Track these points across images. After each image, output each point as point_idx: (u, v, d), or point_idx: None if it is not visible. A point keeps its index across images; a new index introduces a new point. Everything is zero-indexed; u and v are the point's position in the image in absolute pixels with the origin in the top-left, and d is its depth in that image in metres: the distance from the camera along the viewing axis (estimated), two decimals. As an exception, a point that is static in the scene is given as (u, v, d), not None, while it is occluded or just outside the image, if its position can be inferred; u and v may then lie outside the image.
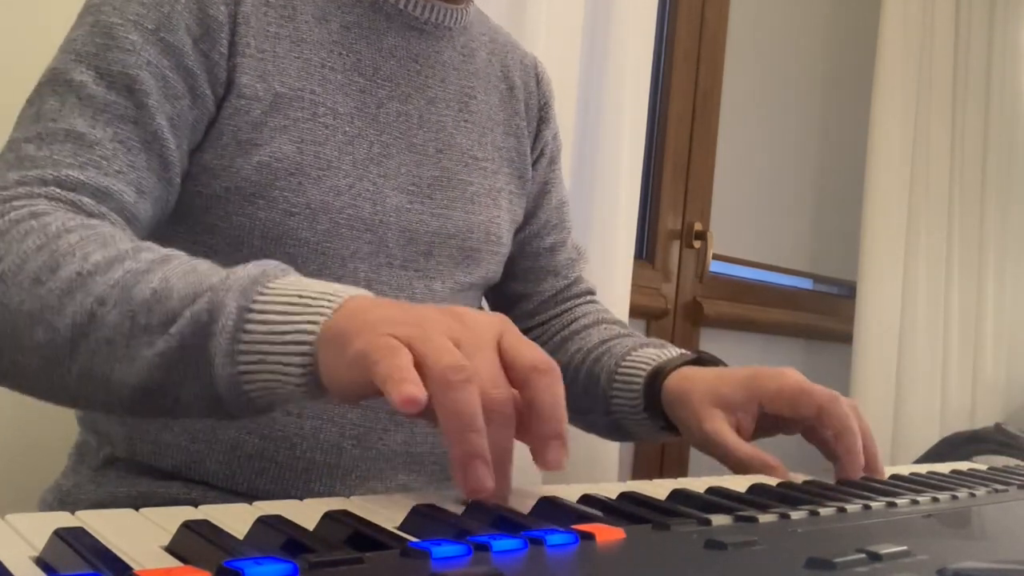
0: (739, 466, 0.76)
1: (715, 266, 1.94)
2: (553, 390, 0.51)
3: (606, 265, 1.47)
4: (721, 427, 0.78)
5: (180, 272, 0.58)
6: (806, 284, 2.25)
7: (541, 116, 1.00)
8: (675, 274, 1.88)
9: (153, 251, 0.61)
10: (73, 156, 0.67)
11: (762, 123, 2.10)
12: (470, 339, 0.50)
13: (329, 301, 0.54)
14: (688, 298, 1.89)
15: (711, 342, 1.93)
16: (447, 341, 0.49)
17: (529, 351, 0.52)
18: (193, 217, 0.76)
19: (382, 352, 0.48)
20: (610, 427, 0.92)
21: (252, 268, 0.57)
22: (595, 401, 0.91)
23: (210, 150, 0.74)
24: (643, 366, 0.87)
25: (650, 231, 1.85)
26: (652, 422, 0.86)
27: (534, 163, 0.99)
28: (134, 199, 0.69)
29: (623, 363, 0.88)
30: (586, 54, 1.49)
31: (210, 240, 0.76)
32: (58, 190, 0.65)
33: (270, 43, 0.76)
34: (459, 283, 0.87)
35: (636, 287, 1.60)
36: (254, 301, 0.54)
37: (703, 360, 0.86)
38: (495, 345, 0.51)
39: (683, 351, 0.89)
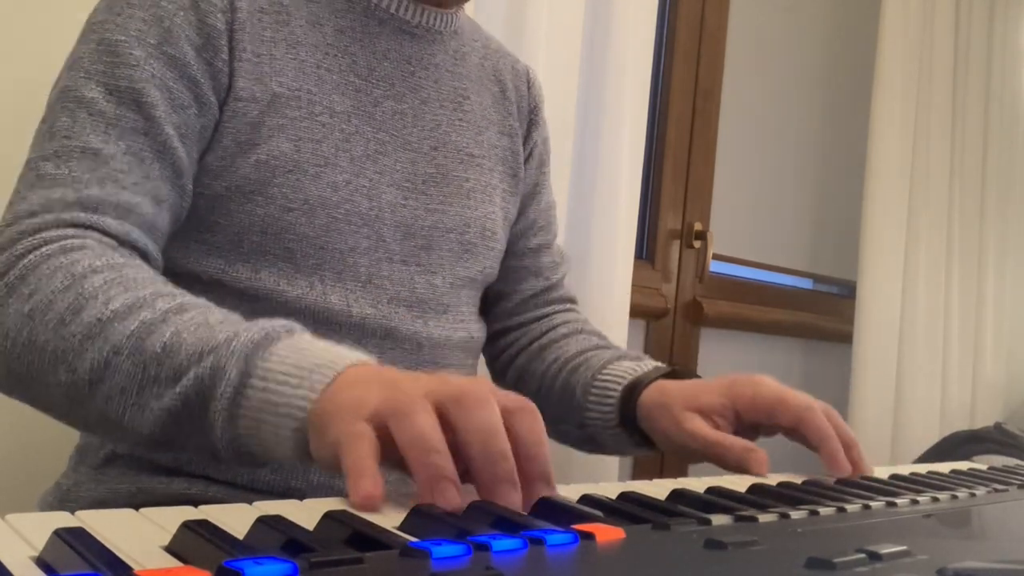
0: (722, 456, 0.77)
1: (715, 266, 1.94)
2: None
3: (606, 265, 1.47)
4: (700, 425, 0.79)
5: (192, 326, 0.60)
6: (806, 284, 2.25)
7: (532, 119, 1.01)
8: (675, 274, 1.87)
9: (171, 298, 0.63)
10: (91, 172, 0.69)
11: (762, 123, 2.10)
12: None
13: (322, 375, 0.55)
14: (688, 298, 1.89)
15: (711, 342, 1.93)
16: (411, 390, 0.51)
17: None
18: (197, 216, 0.77)
19: (349, 444, 0.50)
20: (582, 439, 0.93)
21: (256, 332, 0.58)
22: (569, 412, 0.92)
23: (211, 152, 0.76)
24: (618, 380, 0.88)
25: (650, 231, 1.85)
26: (626, 436, 0.88)
27: (524, 164, 1.00)
28: (152, 210, 0.72)
29: (599, 376, 0.90)
30: (586, 54, 1.49)
31: (211, 238, 0.77)
32: (82, 214, 0.68)
33: (266, 47, 0.78)
34: (459, 277, 0.88)
35: (636, 287, 1.60)
36: (255, 366, 0.56)
37: (678, 373, 0.87)
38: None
39: (659, 364, 0.89)
